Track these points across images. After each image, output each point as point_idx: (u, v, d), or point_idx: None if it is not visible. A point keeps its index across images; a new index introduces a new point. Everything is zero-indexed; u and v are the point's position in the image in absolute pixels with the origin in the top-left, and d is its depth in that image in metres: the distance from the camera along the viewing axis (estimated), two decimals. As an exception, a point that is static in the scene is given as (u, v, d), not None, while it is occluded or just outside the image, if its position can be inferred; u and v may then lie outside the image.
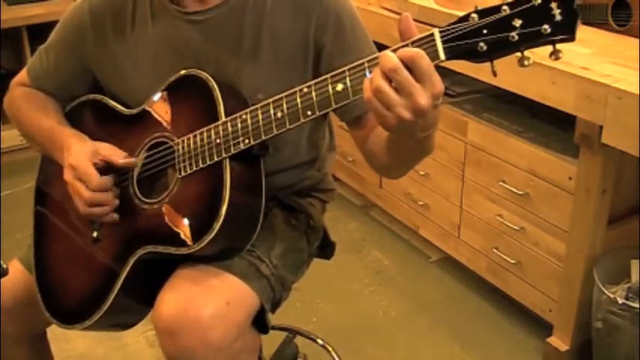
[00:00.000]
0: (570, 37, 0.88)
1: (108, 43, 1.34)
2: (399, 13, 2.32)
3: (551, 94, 1.81)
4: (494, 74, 0.93)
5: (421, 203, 2.50)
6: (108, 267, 1.27)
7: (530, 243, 2.07)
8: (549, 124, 2.09)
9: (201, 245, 1.14)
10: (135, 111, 1.32)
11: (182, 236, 1.17)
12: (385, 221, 2.79)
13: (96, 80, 1.39)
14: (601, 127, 1.70)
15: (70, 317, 1.30)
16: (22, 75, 1.46)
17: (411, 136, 1.01)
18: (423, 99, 0.92)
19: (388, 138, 1.12)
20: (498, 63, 0.94)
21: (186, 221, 1.17)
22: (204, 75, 1.21)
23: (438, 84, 0.94)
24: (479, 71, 2.02)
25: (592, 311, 1.88)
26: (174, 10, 1.28)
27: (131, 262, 1.23)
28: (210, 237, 1.13)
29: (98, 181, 1.23)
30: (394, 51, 0.95)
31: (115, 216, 1.27)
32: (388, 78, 0.93)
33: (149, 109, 1.29)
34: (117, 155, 1.26)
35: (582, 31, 2.04)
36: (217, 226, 1.12)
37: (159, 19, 1.30)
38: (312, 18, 1.24)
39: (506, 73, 1.93)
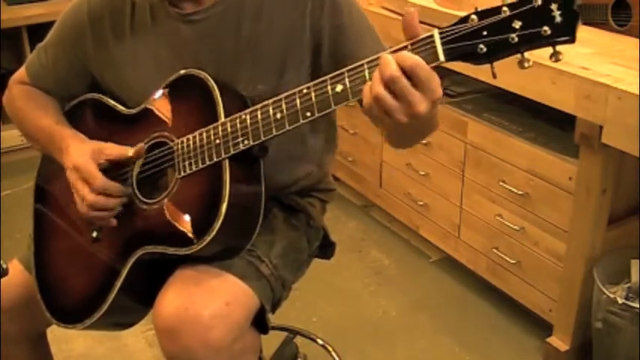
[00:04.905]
0: (570, 39, 0.88)
1: (107, 44, 1.34)
2: (399, 14, 2.32)
3: (551, 94, 1.81)
4: (494, 76, 0.94)
5: (421, 203, 2.50)
6: (108, 267, 1.27)
7: (530, 243, 2.07)
8: (549, 124, 2.09)
9: (201, 245, 1.13)
10: (134, 111, 1.32)
11: (182, 236, 1.17)
12: (385, 221, 2.79)
13: (95, 79, 1.39)
14: (601, 127, 1.70)
15: (70, 317, 1.30)
16: (21, 73, 1.45)
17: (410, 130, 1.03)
18: (422, 106, 0.94)
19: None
20: (498, 62, 0.94)
21: (185, 221, 1.17)
22: (204, 75, 1.21)
23: (437, 90, 0.95)
24: (479, 71, 2.01)
25: (592, 311, 1.88)
26: (173, 12, 1.28)
27: (131, 262, 1.23)
28: (210, 237, 1.13)
29: (102, 183, 1.23)
30: (394, 52, 0.95)
31: (113, 222, 1.26)
32: (387, 85, 0.93)
33: (148, 109, 1.29)
34: (124, 151, 1.25)
35: (582, 31, 2.03)
36: (217, 226, 1.12)
37: (159, 21, 1.30)
38: (307, 4, 1.24)
39: (506, 74, 1.94)
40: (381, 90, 0.94)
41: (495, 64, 0.94)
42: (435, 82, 0.94)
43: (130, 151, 1.25)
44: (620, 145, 1.68)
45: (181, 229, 1.17)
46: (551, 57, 0.90)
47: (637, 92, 1.60)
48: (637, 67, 1.73)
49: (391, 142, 1.27)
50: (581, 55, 1.83)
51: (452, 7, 2.16)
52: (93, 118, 1.39)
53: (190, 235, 1.15)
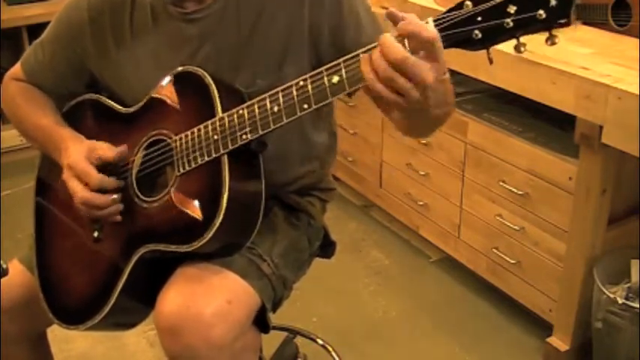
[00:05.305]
0: (566, 22, 0.88)
1: (106, 42, 1.34)
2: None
3: (551, 94, 1.81)
4: (491, 62, 0.93)
5: (421, 203, 2.50)
6: (110, 266, 1.27)
7: (530, 243, 2.07)
8: (549, 124, 2.09)
9: (202, 242, 1.13)
10: (132, 109, 1.32)
11: (183, 234, 1.16)
12: (385, 221, 2.79)
13: (93, 76, 1.39)
14: (601, 127, 1.70)
15: (72, 318, 1.30)
16: (16, 69, 1.44)
17: (427, 115, 1.00)
18: (429, 76, 0.92)
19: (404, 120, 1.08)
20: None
21: (186, 219, 1.17)
22: (201, 72, 1.21)
23: (441, 62, 0.94)
24: (478, 71, 2.02)
25: (592, 311, 1.89)
26: (175, 12, 1.28)
27: (133, 261, 1.23)
28: (211, 233, 1.13)
29: (97, 179, 1.23)
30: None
31: (118, 217, 1.26)
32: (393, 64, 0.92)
33: (146, 107, 1.29)
34: (110, 151, 1.25)
35: (582, 31, 2.05)
36: (218, 222, 1.12)
37: (160, 19, 1.30)
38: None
39: (506, 73, 1.95)
40: (390, 72, 0.92)
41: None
42: (439, 50, 0.93)
43: (112, 155, 1.24)
44: (620, 145, 1.68)
45: (182, 226, 1.17)
46: (547, 41, 0.90)
47: (637, 92, 1.60)
48: (637, 67, 1.73)
49: (405, 129, 1.19)
50: (581, 55, 1.83)
51: (452, 7, 2.15)
52: (91, 118, 1.39)
53: (191, 232, 1.15)
